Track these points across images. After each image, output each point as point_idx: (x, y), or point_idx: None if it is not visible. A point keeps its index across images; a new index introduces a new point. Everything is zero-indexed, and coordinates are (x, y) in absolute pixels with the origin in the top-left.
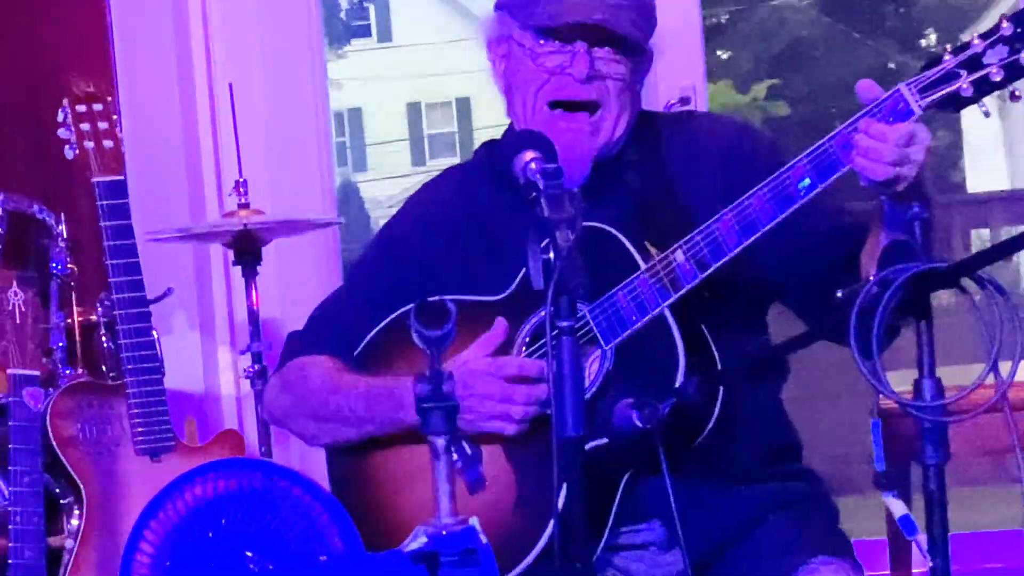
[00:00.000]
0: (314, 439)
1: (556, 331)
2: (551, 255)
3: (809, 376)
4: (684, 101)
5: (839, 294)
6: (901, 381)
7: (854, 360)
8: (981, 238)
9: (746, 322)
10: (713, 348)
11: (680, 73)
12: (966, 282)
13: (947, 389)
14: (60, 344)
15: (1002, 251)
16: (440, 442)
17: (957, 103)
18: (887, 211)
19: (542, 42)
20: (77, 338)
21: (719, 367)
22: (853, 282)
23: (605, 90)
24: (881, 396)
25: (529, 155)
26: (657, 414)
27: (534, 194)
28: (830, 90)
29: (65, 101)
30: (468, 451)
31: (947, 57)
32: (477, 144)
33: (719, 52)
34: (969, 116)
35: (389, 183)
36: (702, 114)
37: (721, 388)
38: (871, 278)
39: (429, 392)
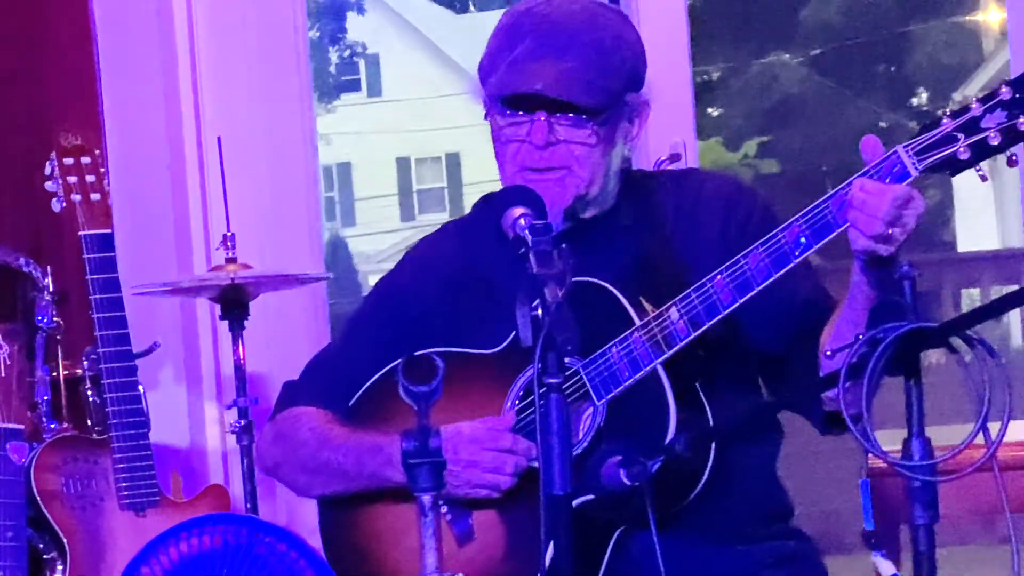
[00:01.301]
0: (304, 491)
1: (544, 387)
2: (540, 311)
3: (797, 432)
4: (674, 158)
5: (827, 352)
6: (890, 440)
7: (843, 419)
8: (971, 297)
9: (741, 381)
10: (706, 405)
11: (670, 130)
12: (956, 342)
13: (936, 449)
14: (45, 398)
15: (991, 311)
16: (426, 499)
17: (954, 166)
18: (868, 277)
19: (506, 112)
20: (62, 391)
21: (711, 424)
22: (809, 355)
23: (568, 154)
24: (870, 455)
25: (518, 211)
26: (645, 472)
27: (523, 249)
28: (821, 148)
29: (53, 154)
30: (459, 509)
31: (945, 120)
32: (467, 199)
33: (710, 109)
34: (960, 175)
35: (378, 238)
36: (700, 172)
37: (713, 445)
38: (860, 337)
39: (416, 448)
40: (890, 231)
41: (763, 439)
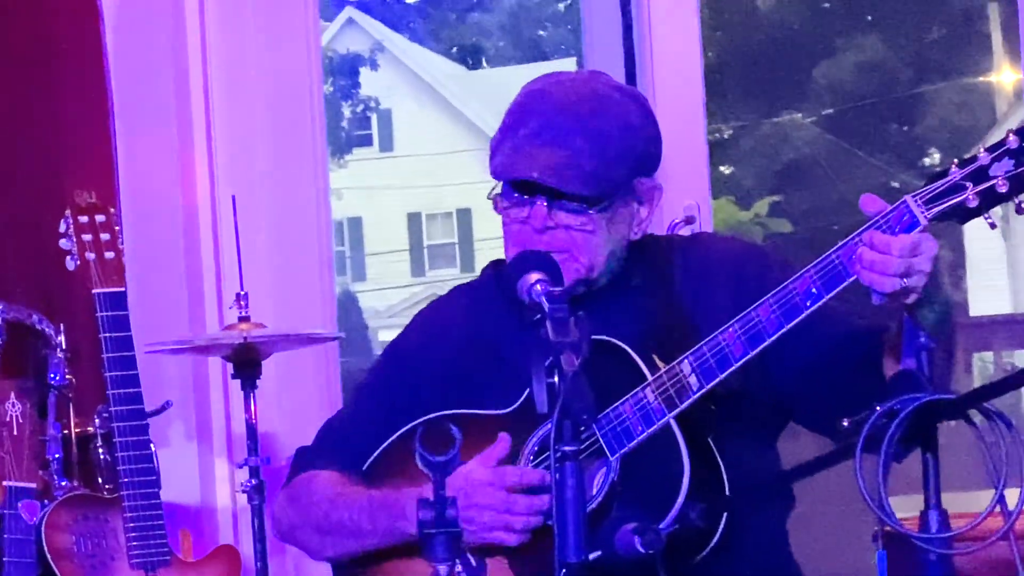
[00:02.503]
0: (319, 552)
1: (560, 455)
2: (556, 378)
3: (802, 495)
4: (688, 220)
5: (844, 423)
6: (903, 505)
7: (859, 490)
8: (983, 361)
9: (755, 435)
10: (719, 461)
11: (684, 191)
12: (972, 413)
13: (951, 516)
14: (56, 455)
15: (1010, 384)
16: (443, 569)
17: (963, 214)
18: (907, 331)
19: (508, 193)
20: (74, 449)
21: (725, 480)
22: (877, 386)
23: (569, 239)
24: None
25: (534, 276)
26: (659, 540)
27: (539, 316)
28: (832, 207)
29: (68, 212)
30: (473, 563)
31: (953, 170)
32: (478, 255)
33: (721, 167)
34: (972, 236)
35: (388, 293)
36: (709, 235)
37: (725, 514)
38: (877, 408)
39: (432, 518)
40: (905, 282)
41: (775, 505)
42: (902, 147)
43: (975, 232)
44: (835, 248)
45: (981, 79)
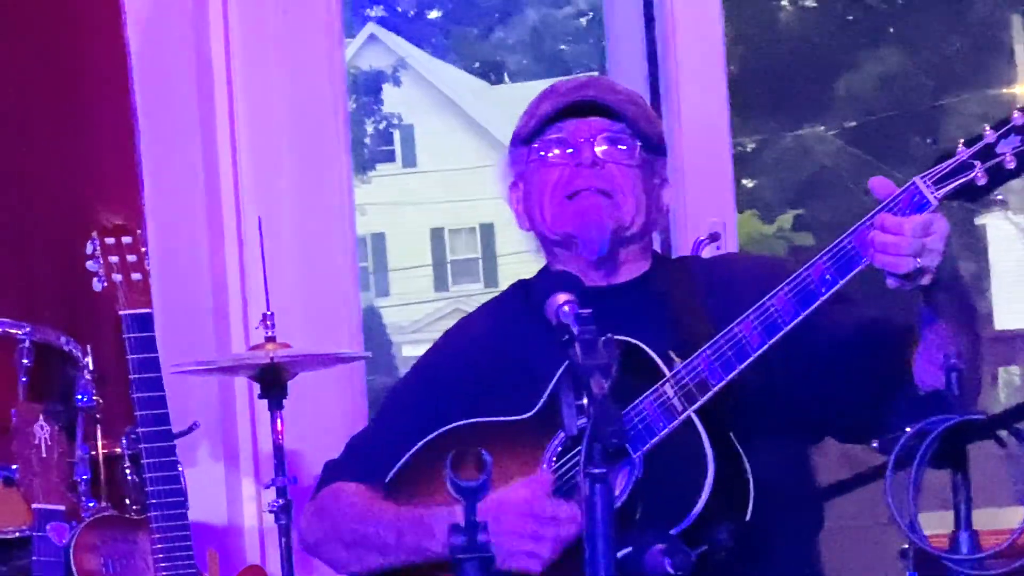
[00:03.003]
0: (345, 567)
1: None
2: (584, 401)
3: (832, 510)
4: (713, 237)
5: (874, 444)
6: (933, 522)
7: (890, 513)
8: (1010, 374)
9: (777, 431)
10: (742, 454)
11: (709, 208)
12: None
13: (981, 534)
14: (84, 477)
15: None
16: None
17: (973, 192)
18: (924, 318)
19: (547, 135)
20: (101, 471)
21: (750, 478)
22: (905, 387)
23: (613, 179)
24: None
25: (563, 298)
26: (688, 561)
27: (567, 337)
28: (855, 220)
29: (94, 234)
30: None
31: (960, 149)
32: (501, 270)
33: (744, 180)
34: (996, 247)
35: (412, 309)
36: (739, 254)
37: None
38: (907, 430)
39: (464, 543)
40: (919, 262)
41: (804, 523)
42: (925, 159)
43: (1000, 244)
44: (847, 233)
45: (1004, 90)
